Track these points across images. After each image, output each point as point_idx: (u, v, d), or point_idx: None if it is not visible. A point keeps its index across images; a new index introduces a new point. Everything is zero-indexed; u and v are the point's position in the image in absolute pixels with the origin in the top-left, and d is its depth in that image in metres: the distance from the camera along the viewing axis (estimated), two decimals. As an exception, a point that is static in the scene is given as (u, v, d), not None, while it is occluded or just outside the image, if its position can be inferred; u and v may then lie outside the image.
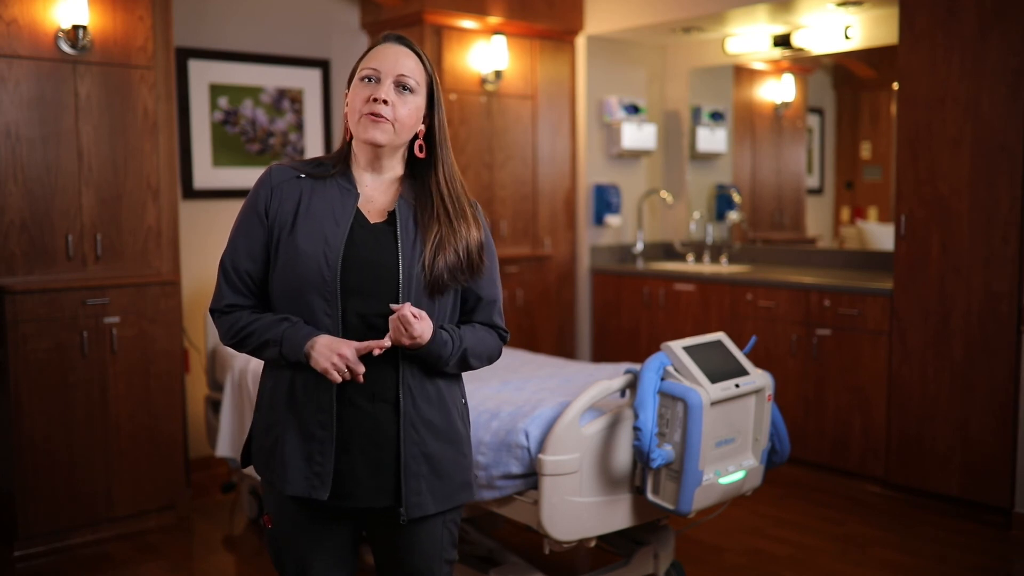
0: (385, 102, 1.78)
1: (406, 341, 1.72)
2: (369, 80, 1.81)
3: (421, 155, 1.87)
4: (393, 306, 1.72)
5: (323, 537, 1.88)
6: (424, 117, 1.87)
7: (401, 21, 4.90)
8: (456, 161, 1.94)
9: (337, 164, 1.87)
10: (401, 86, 1.81)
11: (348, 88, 1.87)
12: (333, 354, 1.72)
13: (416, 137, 1.87)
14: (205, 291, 4.59)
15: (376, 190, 1.87)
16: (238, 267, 1.84)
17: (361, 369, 1.74)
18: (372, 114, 1.78)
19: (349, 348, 1.73)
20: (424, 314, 1.74)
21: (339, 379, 1.73)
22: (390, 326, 1.73)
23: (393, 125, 1.80)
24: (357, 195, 1.83)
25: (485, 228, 1.92)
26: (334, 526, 1.89)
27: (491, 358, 1.94)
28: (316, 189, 1.83)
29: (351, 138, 1.88)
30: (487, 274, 1.91)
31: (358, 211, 1.82)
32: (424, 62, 1.86)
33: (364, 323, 1.77)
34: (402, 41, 1.86)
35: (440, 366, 1.83)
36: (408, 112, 1.82)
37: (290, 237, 1.79)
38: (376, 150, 1.83)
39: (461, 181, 1.91)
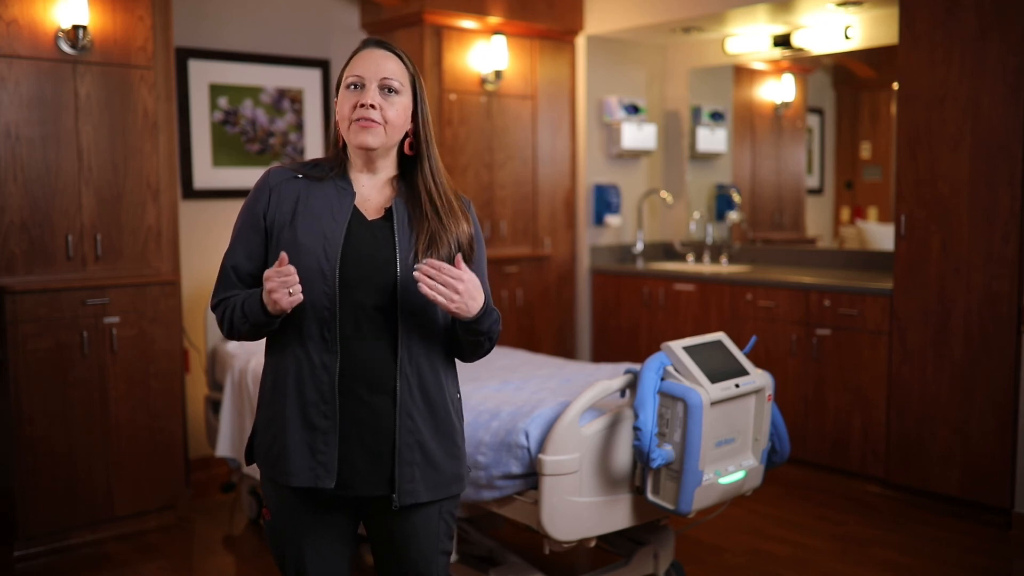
0: (372, 106, 1.82)
1: (452, 302, 1.74)
2: (354, 87, 1.86)
3: (410, 153, 1.93)
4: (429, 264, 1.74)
5: (322, 528, 1.91)
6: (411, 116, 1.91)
7: (401, 21, 4.90)
8: (456, 161, 1.97)
9: (334, 168, 1.91)
10: (386, 88, 1.85)
11: (336, 96, 1.92)
12: (270, 280, 1.72)
13: (406, 136, 1.91)
14: (205, 291, 4.60)
15: (372, 190, 1.91)
16: (236, 267, 1.90)
17: (290, 272, 1.72)
18: (361, 119, 1.83)
19: (273, 269, 1.73)
20: (472, 276, 1.78)
21: (288, 297, 1.71)
22: (429, 285, 1.73)
23: (384, 128, 1.85)
24: (354, 194, 1.88)
25: (475, 221, 1.97)
26: (333, 517, 1.92)
27: (493, 340, 1.96)
28: (313, 189, 1.88)
29: (344, 144, 1.92)
30: (477, 264, 1.95)
31: (355, 209, 1.87)
32: (406, 62, 1.90)
33: (363, 314, 1.81)
34: (382, 45, 1.90)
35: (475, 339, 1.87)
36: (396, 113, 1.86)
37: (289, 232, 1.84)
38: (369, 153, 1.88)
39: (446, 175, 1.96)
